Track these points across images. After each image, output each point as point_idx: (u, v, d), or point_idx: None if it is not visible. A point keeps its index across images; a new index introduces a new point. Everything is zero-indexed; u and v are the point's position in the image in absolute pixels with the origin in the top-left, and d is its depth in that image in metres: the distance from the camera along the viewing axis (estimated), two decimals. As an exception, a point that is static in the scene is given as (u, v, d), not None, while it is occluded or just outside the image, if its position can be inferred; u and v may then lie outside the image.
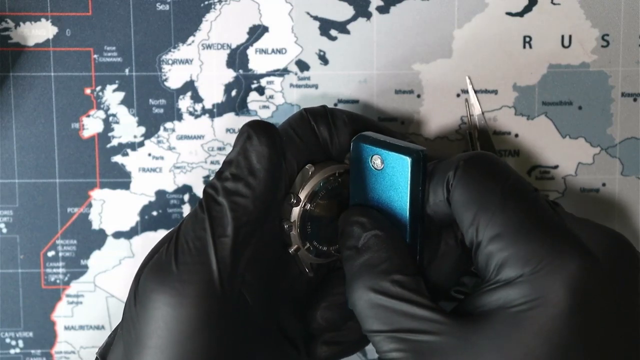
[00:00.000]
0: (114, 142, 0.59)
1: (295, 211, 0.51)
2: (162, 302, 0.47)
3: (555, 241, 0.47)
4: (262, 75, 0.58)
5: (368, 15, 0.57)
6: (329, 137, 0.52)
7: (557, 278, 0.46)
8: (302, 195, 0.51)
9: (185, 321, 0.47)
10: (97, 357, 0.51)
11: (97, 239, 0.59)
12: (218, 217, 0.49)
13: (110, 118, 0.58)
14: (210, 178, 0.57)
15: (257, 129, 0.50)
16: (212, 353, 0.48)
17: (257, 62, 0.58)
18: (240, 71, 0.58)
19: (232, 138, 0.58)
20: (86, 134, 0.58)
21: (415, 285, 0.48)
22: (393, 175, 0.50)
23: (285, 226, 0.51)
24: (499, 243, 0.47)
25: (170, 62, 0.58)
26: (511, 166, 0.50)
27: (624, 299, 0.47)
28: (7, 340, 0.60)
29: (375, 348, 0.48)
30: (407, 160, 0.49)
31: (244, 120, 0.58)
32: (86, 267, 0.59)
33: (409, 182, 0.49)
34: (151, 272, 0.48)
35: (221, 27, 0.57)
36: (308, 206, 0.51)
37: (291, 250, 0.52)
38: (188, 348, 0.48)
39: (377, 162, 0.50)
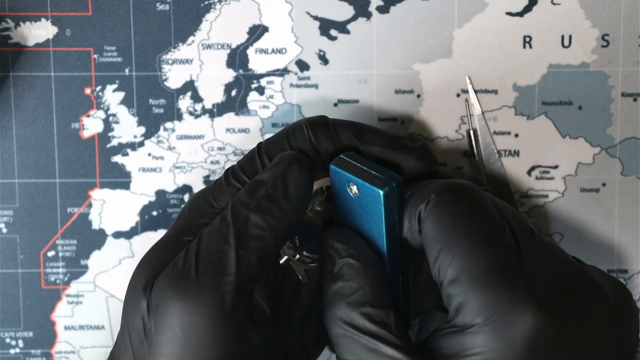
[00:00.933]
0: (114, 142, 0.59)
1: None
2: (181, 310, 0.47)
3: (510, 294, 0.47)
4: (262, 75, 0.58)
5: (368, 15, 0.57)
6: (331, 149, 0.51)
7: (507, 333, 0.46)
8: None
9: (204, 329, 0.47)
10: None
11: (97, 239, 0.59)
12: (244, 232, 0.48)
13: (110, 118, 0.58)
14: (207, 181, 0.57)
15: (299, 160, 0.50)
16: None
17: (257, 62, 0.58)
18: (240, 71, 0.58)
19: (232, 138, 0.58)
20: (86, 134, 0.59)
21: (385, 318, 0.48)
22: (368, 204, 0.50)
23: None
24: (456, 288, 0.47)
25: (170, 62, 0.58)
26: (486, 198, 0.49)
27: (578, 353, 0.47)
28: (7, 340, 0.60)
29: None
30: (380, 192, 0.49)
31: (244, 120, 0.58)
32: (86, 267, 0.60)
33: (383, 212, 0.49)
34: (169, 281, 0.48)
35: (221, 27, 0.57)
36: None
37: (281, 261, 0.52)
38: (203, 357, 0.48)
39: (353, 189, 0.50)
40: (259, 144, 0.52)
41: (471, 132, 0.58)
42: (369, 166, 0.50)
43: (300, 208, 0.50)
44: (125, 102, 0.58)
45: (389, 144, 0.51)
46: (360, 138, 0.51)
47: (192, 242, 0.49)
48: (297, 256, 0.52)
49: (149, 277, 0.49)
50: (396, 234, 0.50)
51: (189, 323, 0.47)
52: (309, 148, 0.51)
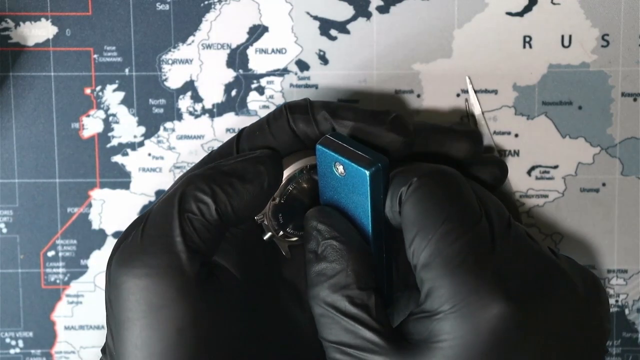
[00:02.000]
0: (114, 142, 0.59)
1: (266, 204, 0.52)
2: (129, 274, 0.48)
3: (479, 282, 0.47)
4: (262, 75, 0.58)
5: (368, 15, 0.57)
6: (309, 131, 0.52)
7: (473, 321, 0.47)
8: None
9: (152, 291, 0.48)
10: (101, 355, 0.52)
11: (97, 238, 0.59)
12: (188, 194, 0.49)
13: (110, 118, 0.58)
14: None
15: (269, 155, 0.51)
16: (184, 325, 0.48)
17: (257, 62, 0.58)
18: (240, 71, 0.58)
19: (232, 138, 0.58)
20: (86, 133, 0.59)
21: (366, 300, 0.49)
22: (354, 184, 0.50)
23: (256, 218, 0.52)
24: (427, 272, 0.48)
25: (170, 62, 0.58)
26: (468, 186, 0.50)
27: (545, 344, 0.48)
28: (7, 340, 0.60)
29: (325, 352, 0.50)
30: (366, 173, 0.49)
31: (244, 120, 0.58)
32: (86, 267, 0.60)
33: (369, 192, 0.50)
34: (119, 251, 0.50)
35: (221, 27, 0.57)
36: (277, 200, 0.52)
37: (265, 237, 0.53)
38: (158, 318, 0.48)
39: (339, 168, 0.50)
40: (241, 130, 0.53)
41: (471, 132, 0.58)
42: (355, 146, 0.50)
43: (254, 195, 0.50)
44: (125, 102, 0.58)
45: (362, 118, 0.52)
46: (334, 114, 0.52)
47: None
48: (281, 233, 0.53)
49: (112, 254, 0.50)
50: (381, 214, 0.50)
51: (137, 286, 0.48)
52: (288, 131, 0.52)
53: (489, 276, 0.47)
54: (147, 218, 0.50)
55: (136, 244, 0.49)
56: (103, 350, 0.51)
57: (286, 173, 0.52)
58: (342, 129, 0.51)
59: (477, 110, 0.58)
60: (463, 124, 0.55)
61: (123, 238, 0.50)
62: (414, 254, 0.48)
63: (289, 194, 0.52)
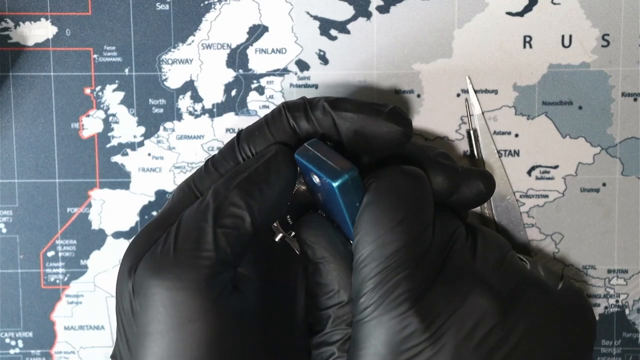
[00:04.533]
0: (114, 142, 0.59)
1: None
2: (161, 287, 0.48)
3: (395, 293, 0.48)
4: (262, 75, 0.58)
5: (368, 15, 0.57)
6: (310, 129, 0.52)
7: (384, 331, 0.48)
8: None
9: (184, 305, 0.48)
10: None
11: (97, 239, 0.59)
12: (222, 209, 0.49)
13: (110, 118, 0.58)
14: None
15: (284, 151, 0.51)
16: (212, 338, 0.48)
17: (257, 62, 0.58)
18: (240, 71, 0.58)
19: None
20: (86, 133, 0.58)
21: (348, 317, 0.50)
22: (329, 193, 0.50)
23: None
24: (356, 278, 0.49)
25: (170, 62, 0.58)
26: (427, 191, 0.50)
27: (457, 354, 0.49)
28: (7, 340, 0.60)
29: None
30: (333, 185, 0.49)
31: (243, 120, 0.58)
32: (86, 267, 0.59)
33: (341, 202, 0.50)
34: (149, 261, 0.49)
35: (221, 26, 0.57)
36: None
37: (277, 239, 0.53)
38: (188, 331, 0.48)
39: (315, 178, 0.50)
40: (239, 132, 0.53)
41: (471, 132, 0.58)
42: (328, 156, 0.50)
43: (281, 194, 0.50)
44: (125, 102, 0.58)
45: (361, 109, 0.52)
46: (334, 106, 0.51)
47: (174, 224, 0.50)
48: (292, 233, 0.53)
49: (133, 261, 0.50)
50: None
51: (169, 299, 0.48)
52: (288, 130, 0.52)
53: (407, 287, 0.48)
54: (178, 230, 0.49)
55: (169, 257, 0.49)
56: (114, 357, 0.51)
57: None
58: (343, 122, 0.51)
59: (477, 110, 0.58)
60: (446, 157, 0.53)
61: (145, 245, 0.50)
62: (355, 251, 0.49)
63: (296, 192, 0.52)
